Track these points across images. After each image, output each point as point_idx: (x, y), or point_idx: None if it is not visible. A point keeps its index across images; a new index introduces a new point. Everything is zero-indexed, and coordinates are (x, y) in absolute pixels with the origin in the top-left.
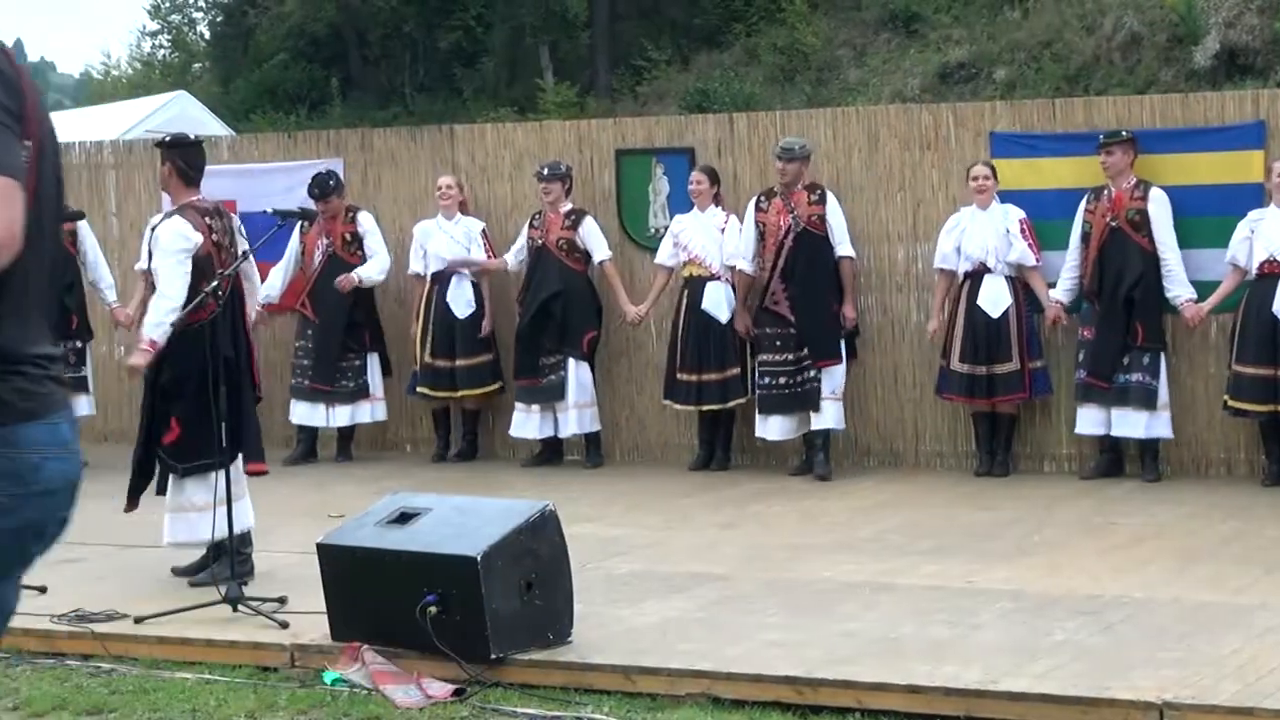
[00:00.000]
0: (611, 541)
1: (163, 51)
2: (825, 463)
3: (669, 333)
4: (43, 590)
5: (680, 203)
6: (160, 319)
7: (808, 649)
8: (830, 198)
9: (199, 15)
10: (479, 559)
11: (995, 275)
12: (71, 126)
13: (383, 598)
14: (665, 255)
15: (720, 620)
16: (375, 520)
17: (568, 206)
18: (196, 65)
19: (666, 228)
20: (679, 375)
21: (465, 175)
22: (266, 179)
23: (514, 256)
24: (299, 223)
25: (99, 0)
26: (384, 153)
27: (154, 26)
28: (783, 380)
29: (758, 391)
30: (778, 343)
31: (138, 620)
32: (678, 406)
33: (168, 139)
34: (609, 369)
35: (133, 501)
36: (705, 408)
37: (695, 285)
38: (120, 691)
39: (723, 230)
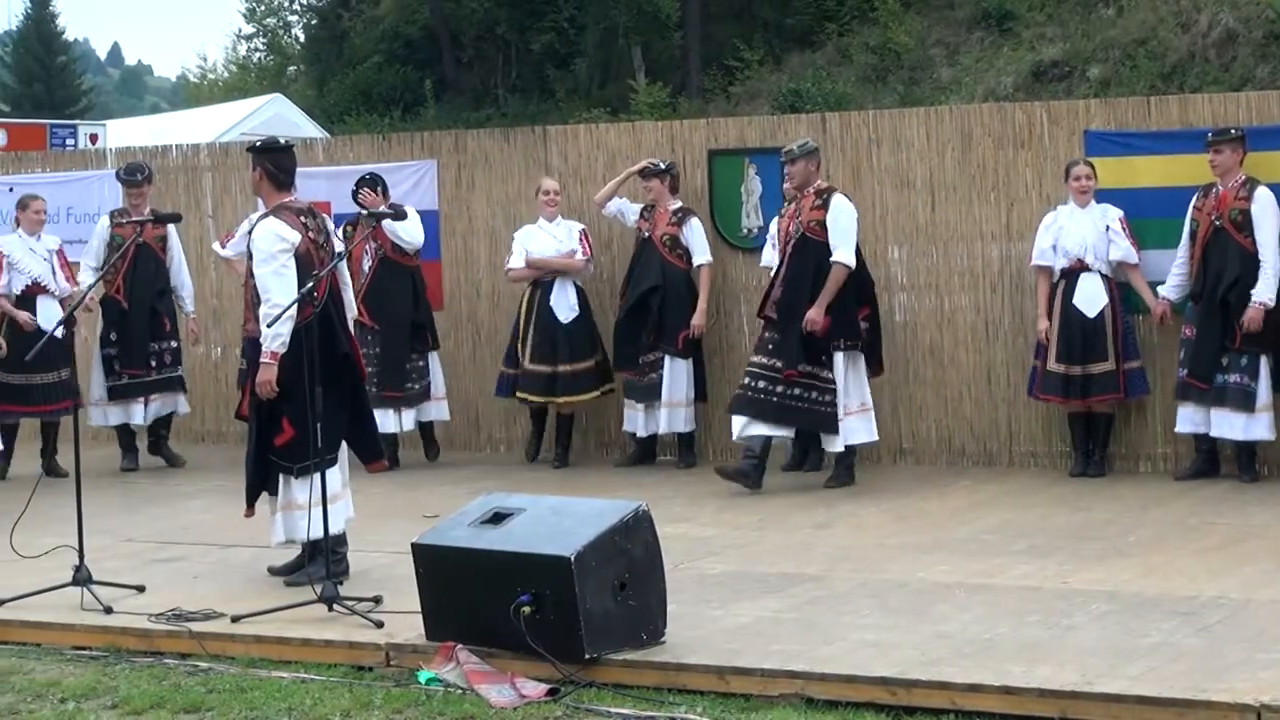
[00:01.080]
0: (704, 541)
1: (258, 55)
2: (846, 473)
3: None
4: (140, 589)
5: (773, 202)
6: (277, 330)
7: (901, 650)
8: (836, 201)
9: (294, 18)
10: (573, 559)
11: (1092, 274)
12: (168, 130)
13: (477, 597)
14: (770, 257)
15: (814, 620)
16: (469, 520)
17: (675, 204)
18: (291, 68)
19: (760, 228)
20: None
21: (558, 176)
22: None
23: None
24: (346, 228)
25: (196, 4)
26: (477, 154)
27: (249, 30)
28: (761, 385)
29: (737, 389)
30: (769, 347)
31: (235, 619)
32: None
33: (257, 144)
34: (704, 368)
35: (251, 507)
36: None
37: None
38: (217, 690)
39: None
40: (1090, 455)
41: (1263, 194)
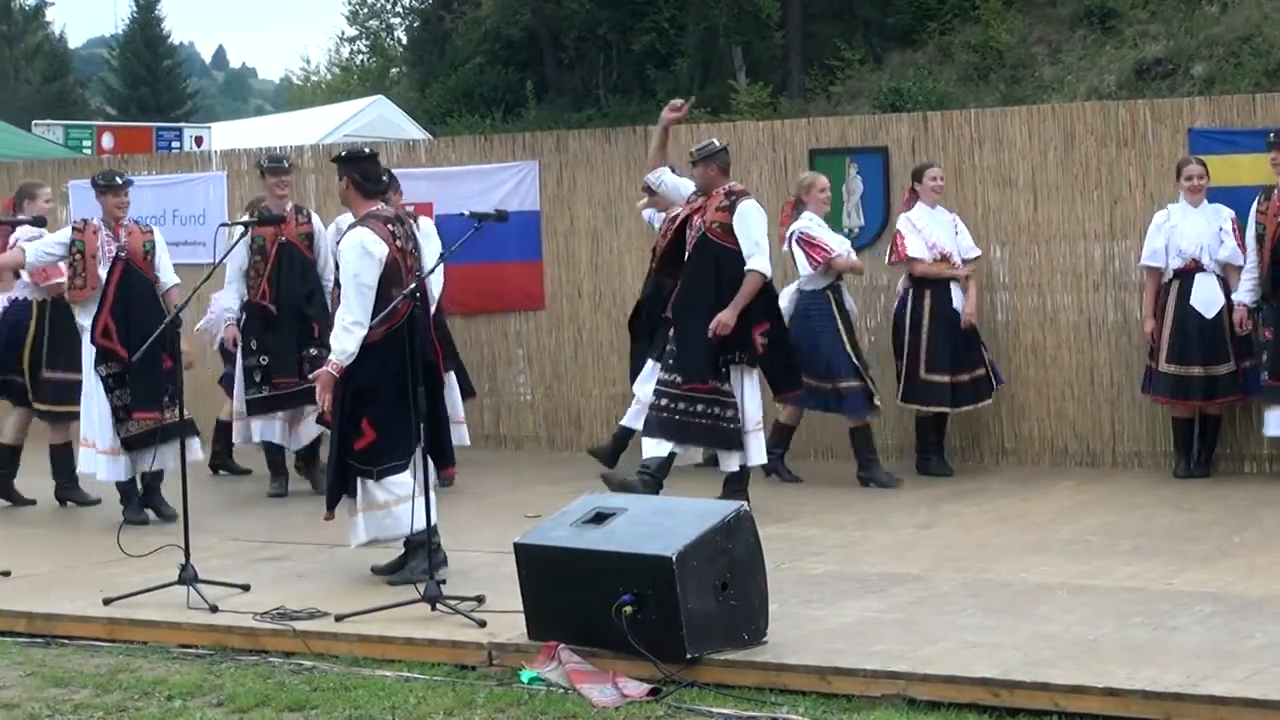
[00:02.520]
0: (805, 541)
1: (361, 57)
2: (736, 496)
3: (902, 334)
4: (246, 589)
5: (874, 202)
6: (344, 345)
7: (1004, 651)
8: (744, 207)
9: (396, 21)
10: (674, 559)
11: (1207, 274)
12: (272, 132)
13: (579, 597)
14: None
15: (915, 621)
16: (571, 520)
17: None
18: (394, 70)
19: (862, 227)
20: (925, 376)
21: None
22: (463, 182)
23: None
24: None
25: (299, 7)
26: (579, 154)
27: (352, 32)
28: (664, 402)
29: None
30: (669, 361)
31: (339, 618)
32: (926, 409)
33: (343, 153)
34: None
35: (331, 510)
36: (962, 408)
37: (939, 285)
38: (322, 689)
39: (956, 229)
40: (1196, 456)
41: None
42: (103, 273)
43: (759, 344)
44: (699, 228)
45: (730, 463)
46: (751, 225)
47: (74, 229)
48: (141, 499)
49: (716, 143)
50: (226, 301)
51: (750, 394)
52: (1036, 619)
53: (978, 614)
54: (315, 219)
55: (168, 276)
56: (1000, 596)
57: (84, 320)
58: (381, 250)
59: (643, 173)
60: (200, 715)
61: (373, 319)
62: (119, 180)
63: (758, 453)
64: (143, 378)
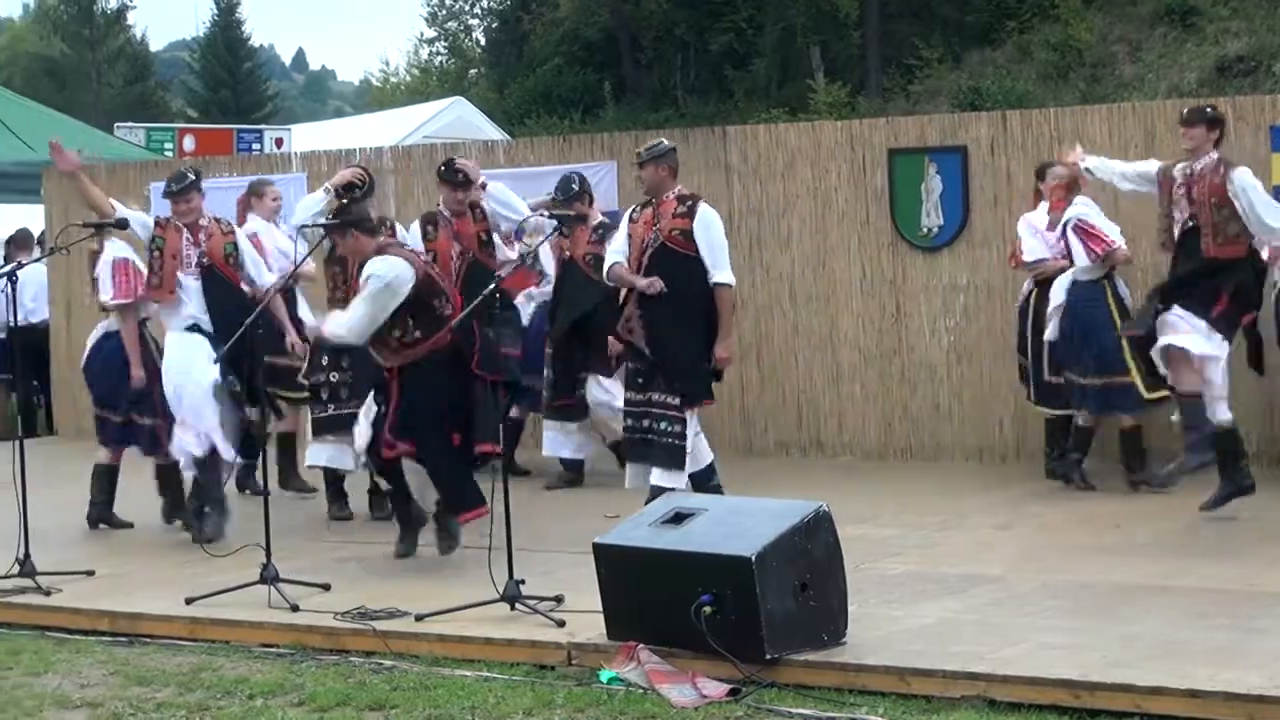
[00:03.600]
0: (885, 542)
1: (440, 58)
2: None
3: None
4: (326, 588)
5: (952, 201)
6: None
7: (1085, 652)
8: (703, 212)
9: (475, 22)
10: (754, 559)
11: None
12: (352, 133)
13: (658, 597)
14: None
15: (995, 622)
16: (650, 520)
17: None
18: (472, 71)
19: (941, 226)
20: (1049, 378)
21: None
22: (542, 182)
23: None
24: (426, 227)
25: (378, 9)
26: None
27: (431, 34)
28: (630, 423)
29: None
30: (639, 379)
31: (419, 618)
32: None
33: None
34: (880, 369)
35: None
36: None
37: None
38: (402, 688)
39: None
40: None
41: None
42: (185, 279)
43: (725, 360)
44: (653, 237)
45: (672, 480)
46: (712, 233)
47: (156, 224)
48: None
49: (666, 142)
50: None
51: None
52: (1117, 620)
53: (1058, 615)
54: (398, 229)
55: (261, 277)
56: (1080, 597)
57: (170, 321)
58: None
59: (722, 172)
60: (281, 714)
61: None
62: (174, 187)
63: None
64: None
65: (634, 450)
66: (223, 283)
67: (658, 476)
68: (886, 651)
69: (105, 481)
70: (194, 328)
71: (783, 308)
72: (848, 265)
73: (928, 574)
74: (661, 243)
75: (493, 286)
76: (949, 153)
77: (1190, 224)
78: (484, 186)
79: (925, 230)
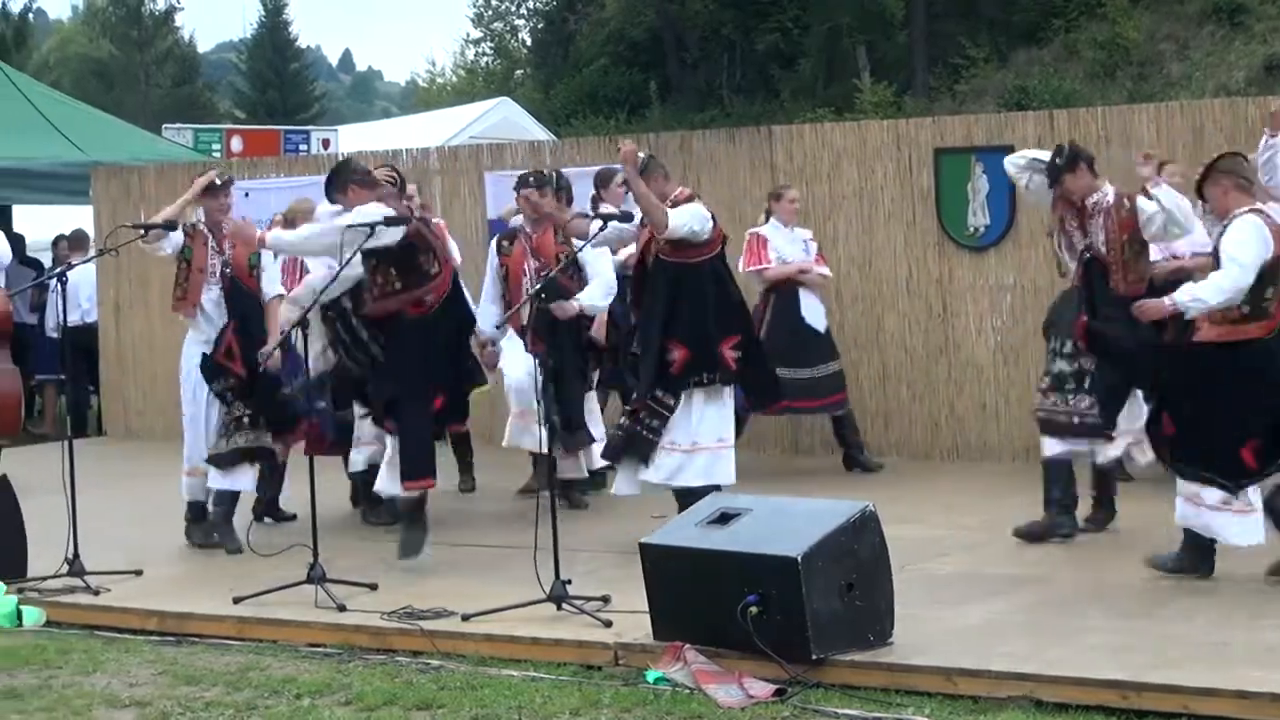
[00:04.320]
0: (932, 542)
1: (486, 59)
2: None
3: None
4: (373, 588)
5: (999, 201)
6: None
7: (1132, 652)
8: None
9: (521, 23)
10: (800, 559)
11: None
12: (398, 134)
13: (704, 597)
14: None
15: (1042, 622)
16: (696, 520)
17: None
18: (518, 71)
19: (987, 226)
20: None
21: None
22: (588, 183)
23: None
24: (501, 242)
25: (424, 10)
26: (703, 155)
27: (477, 34)
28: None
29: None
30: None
31: (465, 618)
32: None
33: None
34: (926, 369)
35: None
36: None
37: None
38: (449, 688)
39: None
40: None
41: None
42: (209, 289)
43: (730, 358)
44: (652, 249)
45: (648, 473)
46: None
47: (185, 232)
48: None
49: (642, 154)
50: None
51: (716, 411)
52: (1164, 620)
53: (1104, 615)
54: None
55: (270, 288)
56: (1127, 598)
57: (196, 338)
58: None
59: (768, 173)
60: (329, 713)
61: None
62: (217, 181)
63: (725, 472)
64: (263, 397)
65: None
66: (245, 294)
67: (644, 471)
68: (933, 652)
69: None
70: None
71: (829, 308)
72: (894, 265)
73: (974, 575)
74: (656, 256)
75: (540, 287)
76: (995, 152)
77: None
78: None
79: (972, 230)
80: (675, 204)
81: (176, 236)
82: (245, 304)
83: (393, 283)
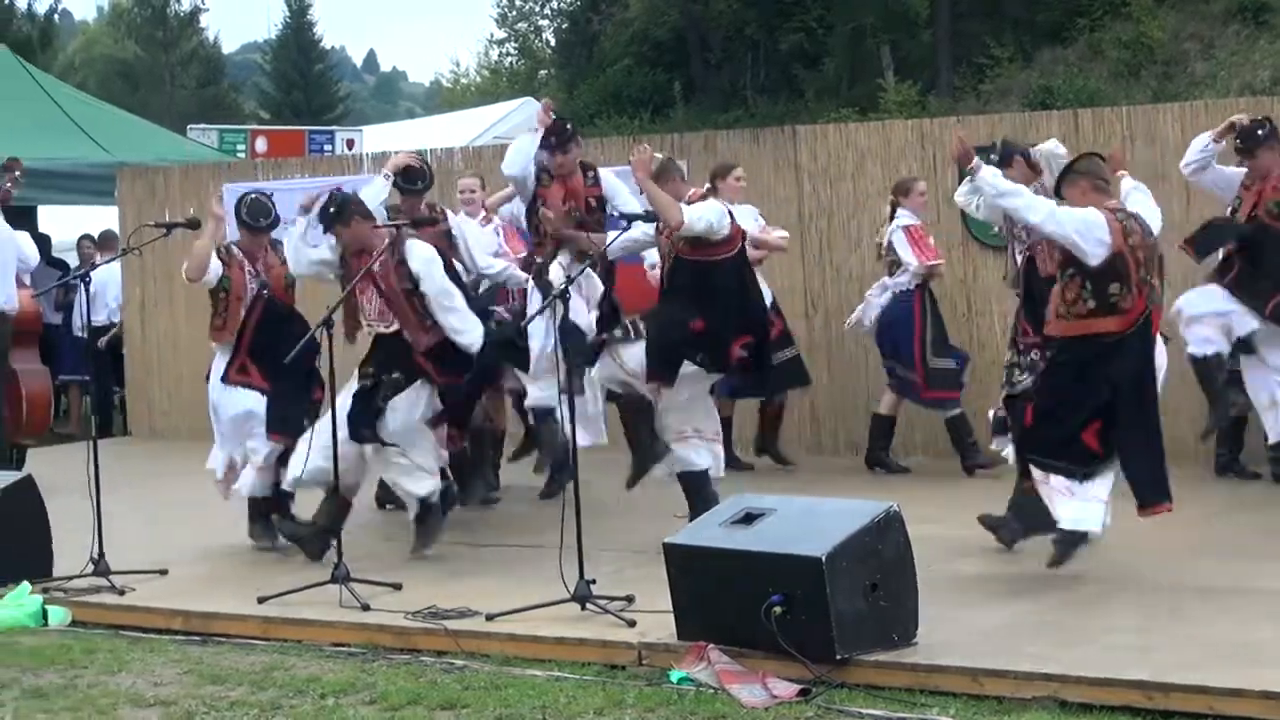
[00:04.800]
0: (956, 542)
1: (510, 59)
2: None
3: None
4: (398, 588)
5: None
6: None
7: (1158, 653)
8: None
9: (545, 23)
10: (824, 559)
11: None
12: (423, 134)
13: (728, 597)
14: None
15: (1067, 623)
16: (720, 520)
17: None
18: (542, 72)
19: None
20: None
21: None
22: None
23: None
24: (541, 174)
25: (448, 11)
26: (727, 155)
27: (501, 35)
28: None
29: None
30: None
31: (490, 618)
32: None
33: None
34: None
35: None
36: None
37: None
38: (473, 687)
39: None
40: None
41: None
42: (242, 312)
43: (739, 357)
44: (668, 248)
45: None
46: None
47: (220, 259)
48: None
49: (659, 156)
50: None
51: (705, 401)
52: (1191, 621)
53: (1130, 616)
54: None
55: None
56: (1153, 598)
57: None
58: None
59: (792, 172)
60: (353, 713)
61: None
62: (262, 222)
63: (707, 458)
64: (282, 402)
65: None
66: (282, 313)
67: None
68: (958, 652)
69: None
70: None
71: (853, 308)
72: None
73: (999, 575)
74: (675, 255)
75: (561, 289)
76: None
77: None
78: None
79: (996, 229)
80: (689, 203)
81: (216, 266)
82: (280, 321)
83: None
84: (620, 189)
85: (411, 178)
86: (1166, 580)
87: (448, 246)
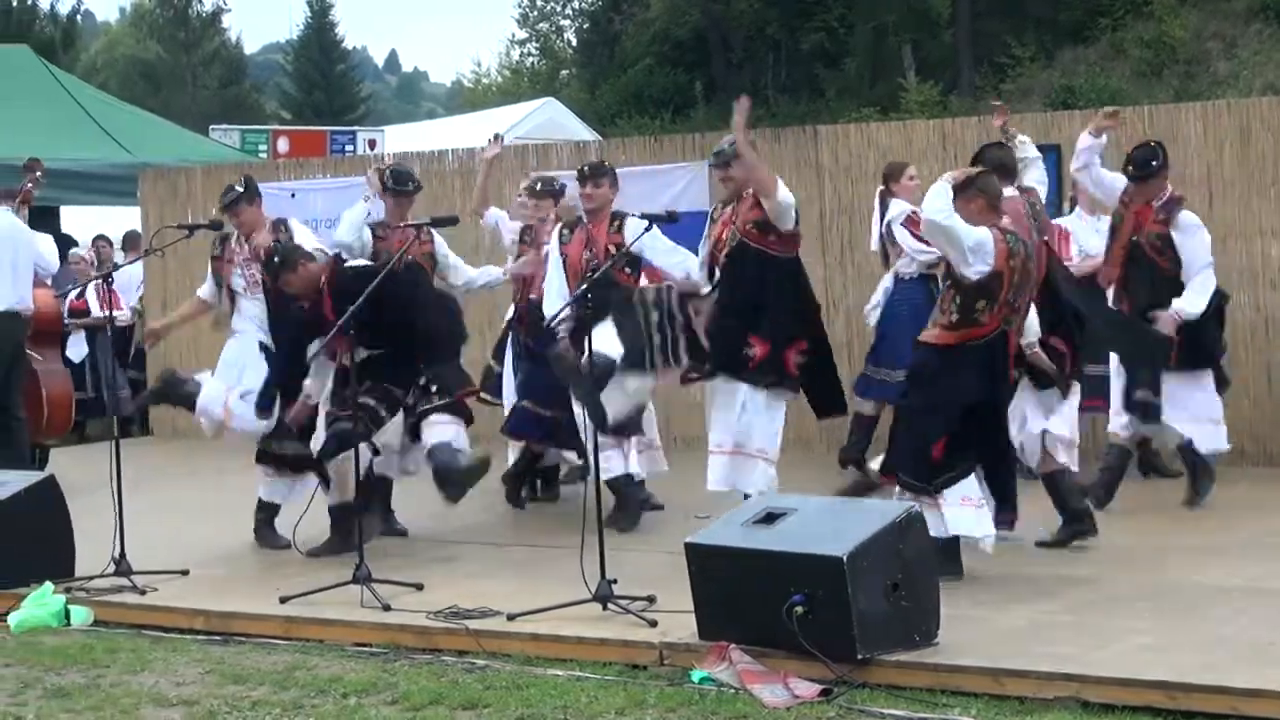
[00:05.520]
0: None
1: (531, 59)
2: None
3: None
4: (419, 588)
5: (1047, 200)
6: None
7: (1179, 653)
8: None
9: (566, 23)
10: (845, 559)
11: None
12: (444, 134)
13: (750, 597)
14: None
15: (1088, 623)
16: (742, 520)
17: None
18: (564, 72)
19: None
20: None
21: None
22: (633, 183)
23: None
24: (560, 230)
25: (470, 11)
26: None
27: (523, 35)
28: None
29: None
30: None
31: (511, 617)
32: None
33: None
34: None
35: None
36: None
37: None
38: (494, 687)
39: None
40: None
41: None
42: (249, 303)
43: (793, 365)
44: (732, 235)
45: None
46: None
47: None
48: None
49: (727, 143)
50: None
51: (765, 416)
52: (1212, 621)
53: (1151, 616)
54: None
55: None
56: (1174, 599)
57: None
58: None
59: (813, 172)
60: (375, 713)
61: None
62: (222, 201)
63: (762, 481)
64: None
65: None
66: (289, 300)
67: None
68: (979, 652)
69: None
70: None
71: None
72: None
73: (1020, 575)
74: (740, 240)
75: (584, 289)
76: (1042, 151)
77: None
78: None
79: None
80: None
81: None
82: (289, 310)
83: None
84: (646, 245)
85: (401, 179)
86: (1186, 580)
87: (431, 267)
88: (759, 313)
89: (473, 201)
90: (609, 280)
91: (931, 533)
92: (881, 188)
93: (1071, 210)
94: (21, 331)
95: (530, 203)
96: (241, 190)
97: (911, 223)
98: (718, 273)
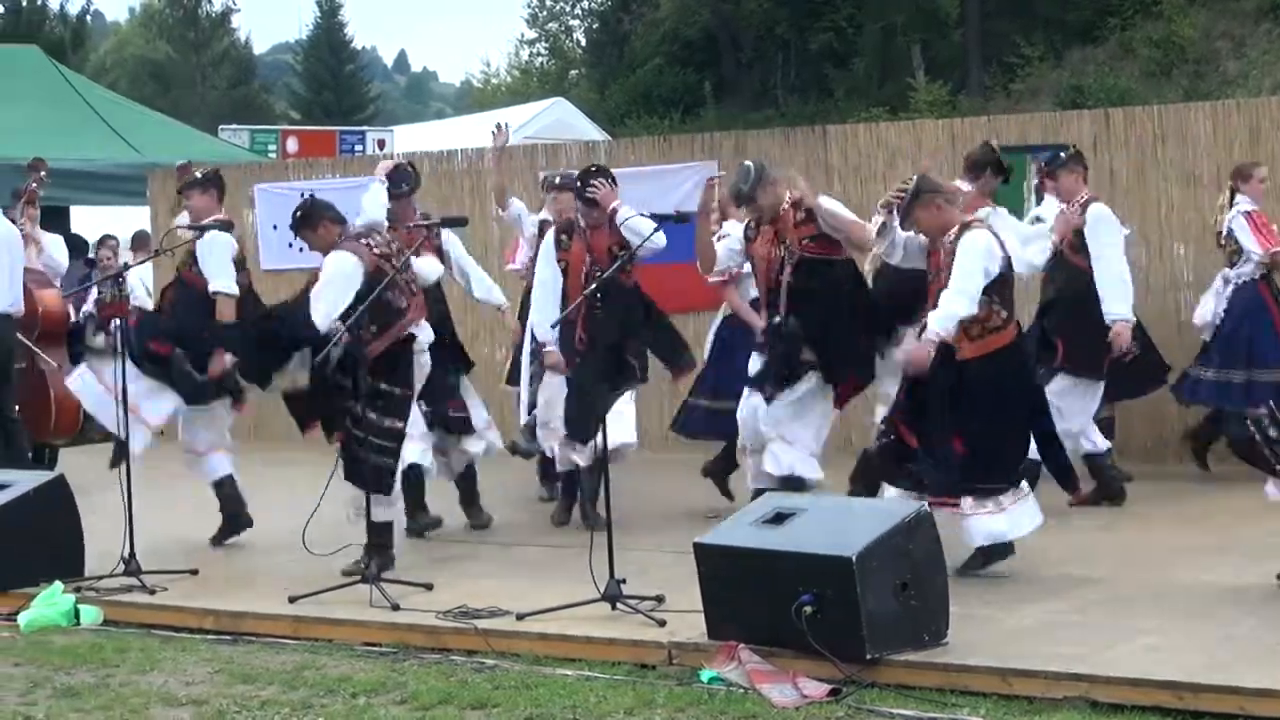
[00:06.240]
0: None
1: (541, 59)
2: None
3: None
4: (428, 587)
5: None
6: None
7: (1188, 653)
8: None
9: (575, 23)
10: (854, 559)
11: None
12: (453, 134)
13: (759, 597)
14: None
15: (1098, 623)
16: (751, 520)
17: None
18: (573, 72)
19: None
20: None
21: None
22: (643, 183)
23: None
24: (560, 236)
25: (479, 12)
26: (757, 154)
27: (532, 35)
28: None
29: None
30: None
31: (520, 617)
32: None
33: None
34: None
35: None
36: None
37: None
38: (503, 687)
39: None
40: None
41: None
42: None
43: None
44: (788, 253)
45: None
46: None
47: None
48: None
49: (750, 163)
50: None
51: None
52: (1221, 621)
53: (1160, 616)
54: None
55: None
56: (1183, 599)
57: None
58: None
59: (823, 172)
60: (384, 712)
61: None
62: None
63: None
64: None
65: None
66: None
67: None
68: (988, 652)
69: None
70: None
71: None
72: None
73: (1029, 575)
74: (800, 256)
75: (594, 287)
76: (1051, 151)
77: None
78: (614, 212)
79: None
80: (796, 205)
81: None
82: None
83: (368, 328)
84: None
85: (396, 180)
86: (1195, 581)
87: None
88: (861, 312)
89: (493, 200)
90: (614, 282)
91: (1007, 536)
92: (1231, 185)
93: (1039, 203)
94: (13, 333)
95: (551, 197)
96: (199, 176)
97: (1250, 218)
98: (782, 294)
